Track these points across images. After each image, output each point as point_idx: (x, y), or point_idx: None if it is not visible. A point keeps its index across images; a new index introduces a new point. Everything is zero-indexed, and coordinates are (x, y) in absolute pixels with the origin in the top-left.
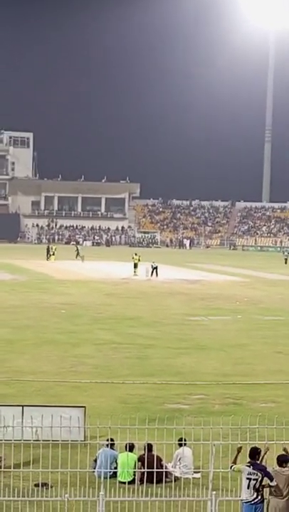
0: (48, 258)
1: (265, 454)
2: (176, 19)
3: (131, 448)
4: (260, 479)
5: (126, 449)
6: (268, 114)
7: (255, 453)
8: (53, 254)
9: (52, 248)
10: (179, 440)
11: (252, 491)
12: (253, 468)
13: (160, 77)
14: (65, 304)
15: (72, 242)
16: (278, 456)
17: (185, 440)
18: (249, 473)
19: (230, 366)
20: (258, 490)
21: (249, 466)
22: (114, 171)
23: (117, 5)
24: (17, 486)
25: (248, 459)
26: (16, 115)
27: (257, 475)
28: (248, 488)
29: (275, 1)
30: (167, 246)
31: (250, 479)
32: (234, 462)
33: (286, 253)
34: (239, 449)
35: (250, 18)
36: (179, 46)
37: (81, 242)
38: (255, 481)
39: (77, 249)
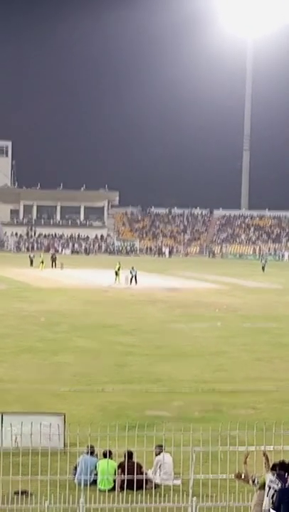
0: (40, 266)
1: (246, 458)
2: (154, 30)
3: (108, 455)
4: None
5: (103, 456)
6: (246, 122)
7: (283, 467)
8: (42, 262)
9: (40, 256)
10: (158, 446)
11: (270, 499)
12: (275, 477)
13: (138, 86)
14: (44, 312)
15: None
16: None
17: (163, 446)
18: (270, 481)
19: (210, 373)
20: None
21: (273, 475)
22: (93, 179)
23: (95, 18)
24: None
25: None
26: None
27: (277, 484)
28: (267, 496)
29: (252, 10)
30: (146, 254)
31: (270, 487)
32: (245, 462)
33: (263, 261)
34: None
35: (228, 26)
36: (157, 56)
37: (60, 251)
38: (273, 491)
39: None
